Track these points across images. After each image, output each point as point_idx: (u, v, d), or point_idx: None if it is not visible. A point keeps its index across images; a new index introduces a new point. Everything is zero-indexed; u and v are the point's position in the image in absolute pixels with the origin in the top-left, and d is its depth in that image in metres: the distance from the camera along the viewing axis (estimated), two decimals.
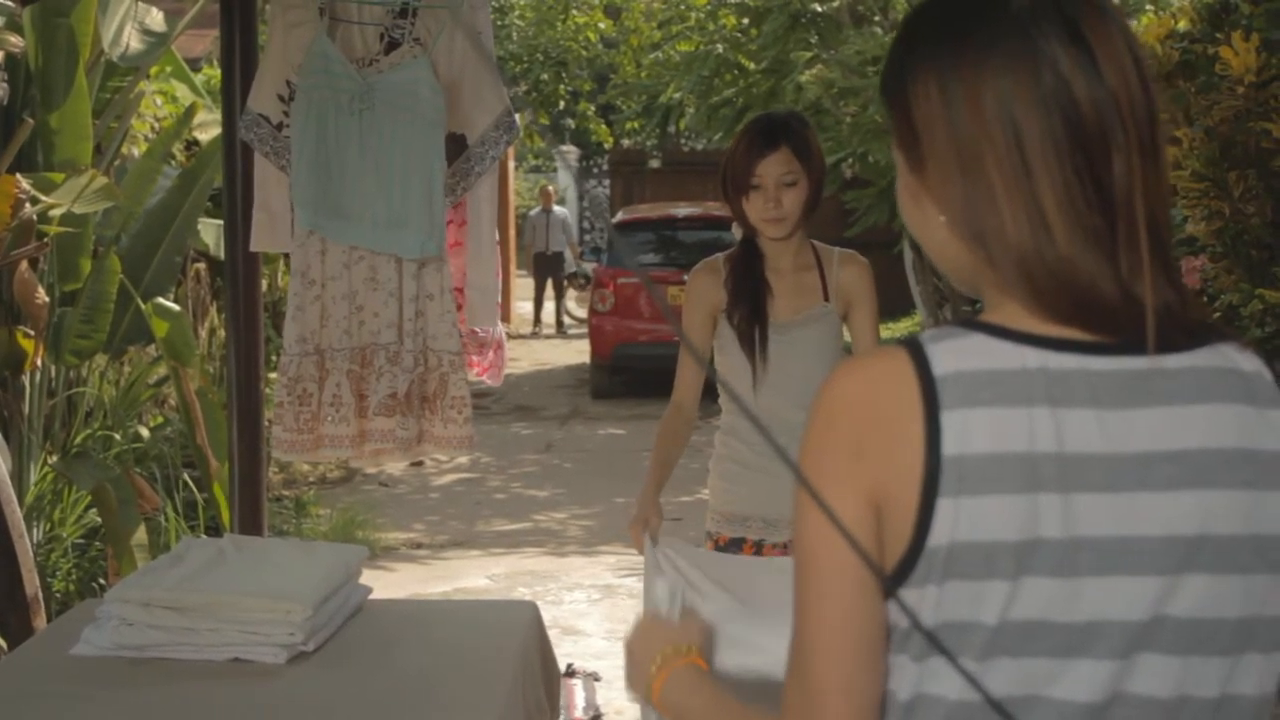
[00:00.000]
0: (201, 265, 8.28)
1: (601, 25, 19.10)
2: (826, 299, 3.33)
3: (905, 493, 1.09)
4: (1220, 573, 1.11)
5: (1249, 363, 1.16)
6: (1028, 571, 1.08)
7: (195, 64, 9.19)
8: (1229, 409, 1.13)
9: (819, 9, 11.58)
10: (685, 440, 3.42)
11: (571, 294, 17.88)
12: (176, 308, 5.92)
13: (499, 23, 18.49)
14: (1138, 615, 1.10)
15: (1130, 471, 1.10)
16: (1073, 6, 1.13)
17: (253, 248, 3.68)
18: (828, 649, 1.11)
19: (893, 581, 1.11)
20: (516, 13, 20.00)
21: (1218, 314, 3.87)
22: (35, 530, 5.35)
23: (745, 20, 13.13)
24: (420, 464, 9.15)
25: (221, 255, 5.07)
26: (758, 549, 3.31)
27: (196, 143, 7.68)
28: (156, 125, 7.67)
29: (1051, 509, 1.08)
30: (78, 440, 6.05)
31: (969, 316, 1.15)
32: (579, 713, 4.51)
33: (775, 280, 3.33)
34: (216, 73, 8.47)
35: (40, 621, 3.75)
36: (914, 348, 1.12)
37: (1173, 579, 1.10)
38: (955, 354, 1.11)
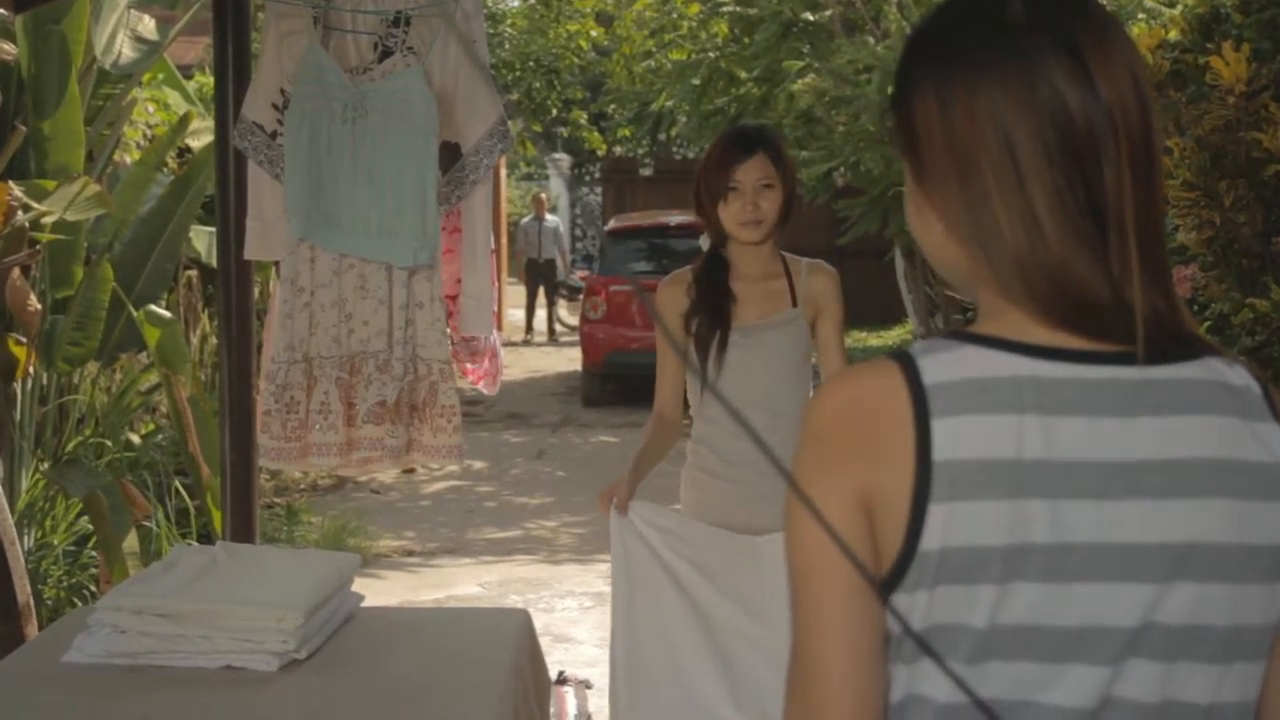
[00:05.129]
0: (193, 273, 8.27)
1: (593, 33, 19.11)
2: (795, 305, 3.39)
3: (897, 498, 1.11)
4: (1209, 581, 1.12)
5: (1238, 377, 1.18)
6: (1017, 576, 1.10)
7: (187, 71, 9.19)
8: (1217, 420, 1.15)
9: (811, 18, 11.57)
10: (667, 449, 3.46)
11: (562, 302, 17.93)
12: (168, 315, 5.90)
13: (491, 31, 18.48)
14: (1128, 621, 1.11)
15: (1120, 479, 1.12)
16: (1069, 22, 1.16)
17: (246, 256, 3.68)
18: (827, 658, 1.11)
19: (886, 586, 1.12)
20: (509, 21, 20.02)
21: (1208, 323, 3.88)
22: (26, 538, 5.34)
23: (737, 29, 13.13)
24: (412, 471, 9.13)
25: (214, 263, 5.06)
26: None
27: (188, 150, 7.68)
28: (148, 132, 7.67)
29: (1041, 515, 1.10)
30: (69, 447, 6.04)
31: (958, 329, 1.17)
32: None
33: (743, 287, 3.40)
34: (208, 80, 8.49)
35: (31, 629, 3.75)
36: (904, 360, 1.14)
37: (1163, 586, 1.12)
38: (945, 365, 1.14)
